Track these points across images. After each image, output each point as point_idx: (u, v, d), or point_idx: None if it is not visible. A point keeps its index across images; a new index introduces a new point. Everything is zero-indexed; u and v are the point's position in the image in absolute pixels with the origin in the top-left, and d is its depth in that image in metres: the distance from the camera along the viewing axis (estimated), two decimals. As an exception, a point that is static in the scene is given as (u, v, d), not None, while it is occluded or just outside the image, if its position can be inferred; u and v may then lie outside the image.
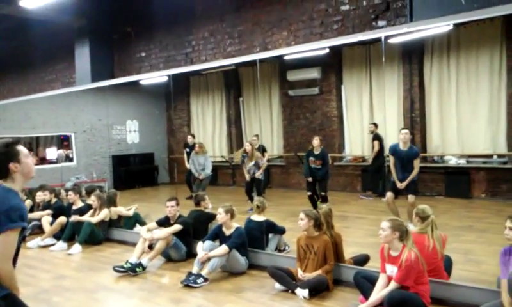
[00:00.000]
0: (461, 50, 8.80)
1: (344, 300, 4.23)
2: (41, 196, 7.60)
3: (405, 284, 3.65)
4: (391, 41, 6.66)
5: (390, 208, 6.23)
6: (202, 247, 5.03)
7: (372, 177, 9.23)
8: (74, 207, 7.17)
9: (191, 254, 5.58)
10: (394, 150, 6.37)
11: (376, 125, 9.12)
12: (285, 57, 8.91)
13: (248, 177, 8.44)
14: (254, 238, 5.34)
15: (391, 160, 6.44)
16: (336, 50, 9.84)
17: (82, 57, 12.08)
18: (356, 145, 10.37)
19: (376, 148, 8.79)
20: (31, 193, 8.04)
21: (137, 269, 5.27)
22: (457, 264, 4.43)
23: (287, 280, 4.46)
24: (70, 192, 7.42)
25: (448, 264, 4.19)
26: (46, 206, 7.50)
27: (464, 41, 8.73)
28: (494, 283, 3.82)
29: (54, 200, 7.57)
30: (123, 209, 7.24)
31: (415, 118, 9.39)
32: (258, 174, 8.35)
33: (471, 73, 8.70)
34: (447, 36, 8.70)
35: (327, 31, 8.79)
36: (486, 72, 8.49)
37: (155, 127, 13.92)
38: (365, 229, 6.71)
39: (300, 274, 4.46)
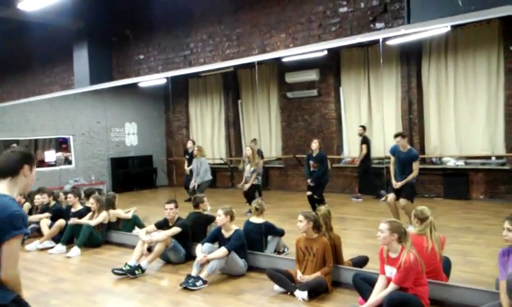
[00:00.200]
0: (458, 52, 8.83)
1: (343, 302, 4.24)
2: (39, 199, 7.59)
3: (404, 285, 3.65)
4: (389, 43, 6.66)
5: (390, 210, 6.28)
6: (201, 250, 5.03)
7: (361, 180, 9.34)
8: (73, 210, 7.17)
9: (190, 257, 5.58)
10: (394, 151, 6.44)
11: (364, 128, 9.21)
12: (284, 59, 8.92)
13: (245, 185, 8.44)
14: (253, 240, 5.34)
15: (391, 160, 6.47)
16: (334, 52, 9.86)
17: (81, 59, 12.08)
18: (355, 147, 10.36)
19: (364, 151, 8.90)
20: (29, 196, 8.01)
21: (136, 272, 5.27)
22: (456, 265, 4.44)
23: (286, 282, 4.47)
24: (69, 195, 7.41)
25: (447, 265, 4.20)
26: (44, 209, 7.49)
27: (461, 43, 8.76)
28: (492, 284, 3.82)
29: (52, 203, 7.56)
30: (122, 212, 7.24)
31: (413, 119, 9.41)
32: (251, 180, 8.37)
33: (469, 74, 8.72)
34: (445, 37, 8.73)
35: (325, 33, 8.81)
36: (483, 73, 8.51)
37: (153, 129, 13.92)
38: (364, 231, 6.72)
39: (299, 275, 4.46)
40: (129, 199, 10.10)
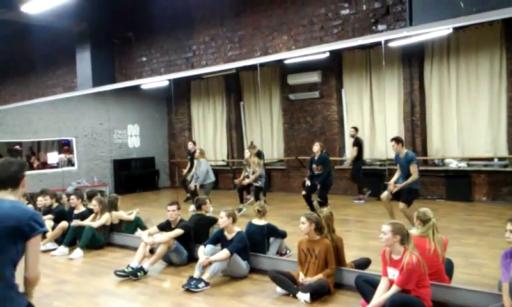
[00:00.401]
0: (460, 54, 8.82)
1: (345, 304, 4.24)
2: (42, 201, 7.60)
3: (406, 287, 3.65)
4: (391, 45, 6.68)
5: (384, 206, 6.47)
6: (203, 252, 5.04)
7: (354, 180, 9.42)
8: (76, 212, 7.18)
9: (192, 259, 5.59)
10: (395, 158, 6.60)
11: (356, 129, 9.29)
12: (286, 61, 8.94)
13: (238, 181, 8.53)
14: (255, 242, 5.34)
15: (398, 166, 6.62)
16: (336, 54, 9.87)
17: (84, 62, 12.13)
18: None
19: (354, 153, 9.02)
20: (32, 198, 8.04)
21: (139, 273, 5.28)
22: (458, 267, 4.43)
23: (288, 284, 4.47)
24: (72, 197, 7.43)
25: (449, 267, 4.19)
26: (47, 211, 7.50)
27: (464, 45, 8.75)
28: (495, 286, 3.81)
29: (55, 205, 7.57)
30: (125, 213, 7.25)
31: (416, 121, 9.40)
32: (250, 180, 8.42)
33: (471, 76, 8.71)
34: (447, 39, 8.72)
35: (327, 35, 8.83)
36: (486, 75, 8.50)
37: (156, 131, 13.94)
38: (366, 233, 6.72)
39: (301, 277, 4.46)
40: (132, 201, 10.12)
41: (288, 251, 5.67)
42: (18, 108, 11.47)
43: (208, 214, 6.23)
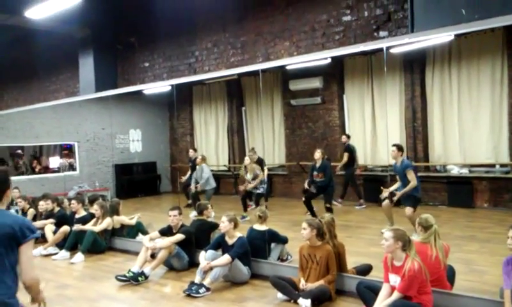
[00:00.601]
0: (462, 60, 8.83)
1: (346, 310, 4.23)
2: (44, 205, 7.61)
3: (408, 294, 3.64)
4: (392, 51, 6.71)
5: (384, 212, 6.51)
6: (204, 257, 5.04)
7: (346, 185, 9.48)
8: (77, 216, 7.19)
9: (193, 264, 5.58)
10: (393, 168, 6.64)
11: (348, 136, 9.52)
12: (287, 67, 8.97)
13: (248, 185, 8.52)
14: (256, 247, 5.34)
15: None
16: (338, 60, 9.89)
17: (86, 67, 12.18)
18: (358, 154, 10.35)
19: (345, 159, 9.18)
20: (33, 202, 8.06)
21: (140, 278, 5.28)
22: (460, 274, 4.42)
23: (290, 290, 4.46)
24: (73, 201, 7.44)
25: (451, 274, 4.18)
26: (49, 215, 7.52)
27: (465, 51, 8.77)
28: (497, 293, 3.80)
29: (56, 209, 7.59)
30: (126, 218, 7.25)
31: (417, 127, 9.41)
32: (252, 186, 8.42)
33: (472, 82, 8.72)
34: (449, 46, 8.74)
35: (329, 42, 8.85)
36: (487, 82, 8.51)
37: (158, 136, 13.98)
38: (367, 239, 6.70)
39: (302, 283, 4.45)
40: (133, 206, 10.12)
41: (289, 257, 5.67)
42: (21, 112, 11.52)
43: (209, 219, 6.24)
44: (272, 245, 5.56)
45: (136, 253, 5.82)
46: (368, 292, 3.99)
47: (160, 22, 11.41)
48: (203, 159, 9.46)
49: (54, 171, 12.15)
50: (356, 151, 9.54)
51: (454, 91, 8.95)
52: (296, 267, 4.77)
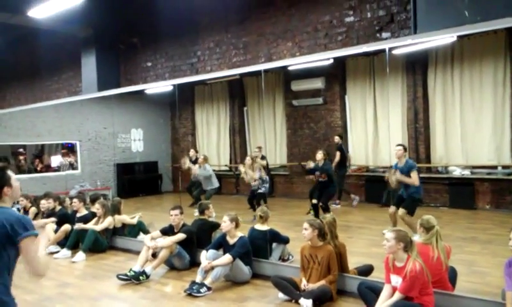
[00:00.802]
0: (464, 62, 8.83)
1: (347, 310, 4.22)
2: (45, 204, 7.62)
3: (409, 295, 3.63)
4: (395, 52, 6.70)
5: (390, 219, 6.43)
6: (206, 256, 5.04)
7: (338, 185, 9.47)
8: (78, 215, 7.20)
9: (194, 263, 5.59)
10: (395, 169, 6.54)
11: (340, 137, 9.61)
12: (290, 68, 8.97)
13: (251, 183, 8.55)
14: (258, 247, 5.34)
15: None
16: (340, 61, 9.90)
17: (89, 66, 12.20)
18: (360, 155, 10.38)
19: (337, 158, 9.26)
20: (35, 201, 8.07)
21: (141, 277, 5.28)
22: (462, 275, 4.42)
23: (291, 290, 4.46)
24: (74, 200, 7.45)
25: (452, 275, 4.17)
26: (50, 213, 7.53)
27: (468, 53, 8.76)
28: (498, 294, 3.80)
29: (58, 208, 7.59)
30: (127, 217, 7.26)
31: (419, 128, 9.40)
32: (256, 184, 8.42)
33: (475, 84, 8.72)
34: (451, 47, 8.74)
35: (331, 42, 8.85)
36: (489, 83, 8.50)
37: (159, 136, 14.00)
38: (369, 239, 6.70)
39: (304, 283, 4.45)
40: (134, 205, 10.14)
41: (290, 257, 5.67)
42: (23, 111, 11.55)
43: (210, 219, 6.24)
44: (274, 245, 5.56)
45: (137, 252, 5.83)
46: (370, 293, 3.99)
47: (163, 22, 11.42)
48: (205, 159, 9.46)
49: (55, 170, 12.17)
50: (348, 152, 9.72)
51: (456, 93, 8.95)
52: (297, 267, 4.77)
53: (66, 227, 7.04)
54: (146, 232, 6.91)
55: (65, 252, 6.67)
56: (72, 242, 6.76)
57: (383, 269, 3.93)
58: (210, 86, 12.83)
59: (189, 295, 4.73)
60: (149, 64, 12.23)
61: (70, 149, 12.48)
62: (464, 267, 4.92)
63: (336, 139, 9.55)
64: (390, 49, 5.49)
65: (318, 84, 10.32)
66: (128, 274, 5.29)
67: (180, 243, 5.61)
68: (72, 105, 11.56)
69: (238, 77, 11.25)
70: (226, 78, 11.10)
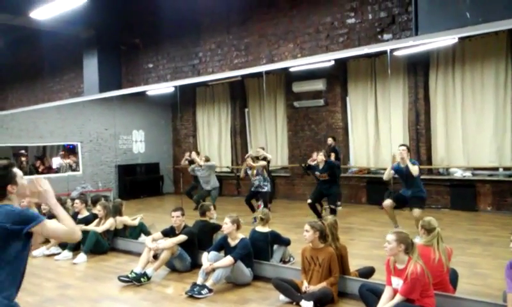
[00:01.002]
0: (466, 63, 8.82)
1: (348, 312, 4.22)
2: (46, 206, 7.61)
3: (411, 297, 3.63)
4: (396, 53, 6.69)
5: (387, 214, 6.40)
6: (207, 258, 5.04)
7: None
8: (80, 216, 7.20)
9: (195, 265, 5.58)
10: (396, 170, 6.45)
11: (334, 139, 9.65)
12: (291, 69, 8.97)
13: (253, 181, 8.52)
14: (259, 249, 5.33)
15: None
16: (341, 62, 9.89)
17: (91, 67, 12.22)
18: (361, 157, 10.37)
19: (332, 159, 9.15)
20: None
21: (142, 279, 5.28)
22: (463, 277, 4.41)
23: (292, 292, 4.45)
24: (76, 201, 7.45)
25: (454, 277, 4.16)
26: (52, 215, 7.52)
27: (469, 54, 8.76)
28: (499, 296, 3.79)
29: (59, 209, 7.58)
30: (129, 219, 7.26)
31: (420, 130, 9.39)
32: (257, 179, 8.38)
33: (476, 85, 8.71)
34: (452, 48, 8.73)
35: (333, 44, 8.86)
36: (491, 85, 8.49)
37: (161, 137, 14.01)
38: (370, 241, 6.70)
39: (305, 286, 4.45)
40: (136, 206, 10.15)
41: (291, 259, 5.66)
42: (25, 112, 11.57)
43: (212, 221, 6.24)
44: (275, 247, 5.56)
45: (139, 254, 5.83)
46: (371, 295, 3.98)
47: (165, 24, 11.45)
48: (207, 160, 9.48)
49: (57, 171, 12.18)
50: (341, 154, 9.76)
51: (458, 94, 8.94)
52: (299, 269, 4.76)
53: (68, 228, 7.02)
54: (147, 234, 6.91)
55: (66, 253, 6.68)
56: (73, 243, 6.76)
57: (384, 271, 3.92)
58: (211, 87, 12.84)
59: (190, 296, 4.73)
60: (151, 65, 12.26)
61: (71, 150, 12.49)
62: (466, 269, 4.90)
63: (330, 140, 9.58)
64: (392, 51, 5.49)
65: (319, 85, 10.31)
66: (130, 275, 5.29)
67: (182, 245, 5.61)
68: (73, 106, 11.57)
69: (239, 79, 11.25)
70: (228, 79, 11.11)
